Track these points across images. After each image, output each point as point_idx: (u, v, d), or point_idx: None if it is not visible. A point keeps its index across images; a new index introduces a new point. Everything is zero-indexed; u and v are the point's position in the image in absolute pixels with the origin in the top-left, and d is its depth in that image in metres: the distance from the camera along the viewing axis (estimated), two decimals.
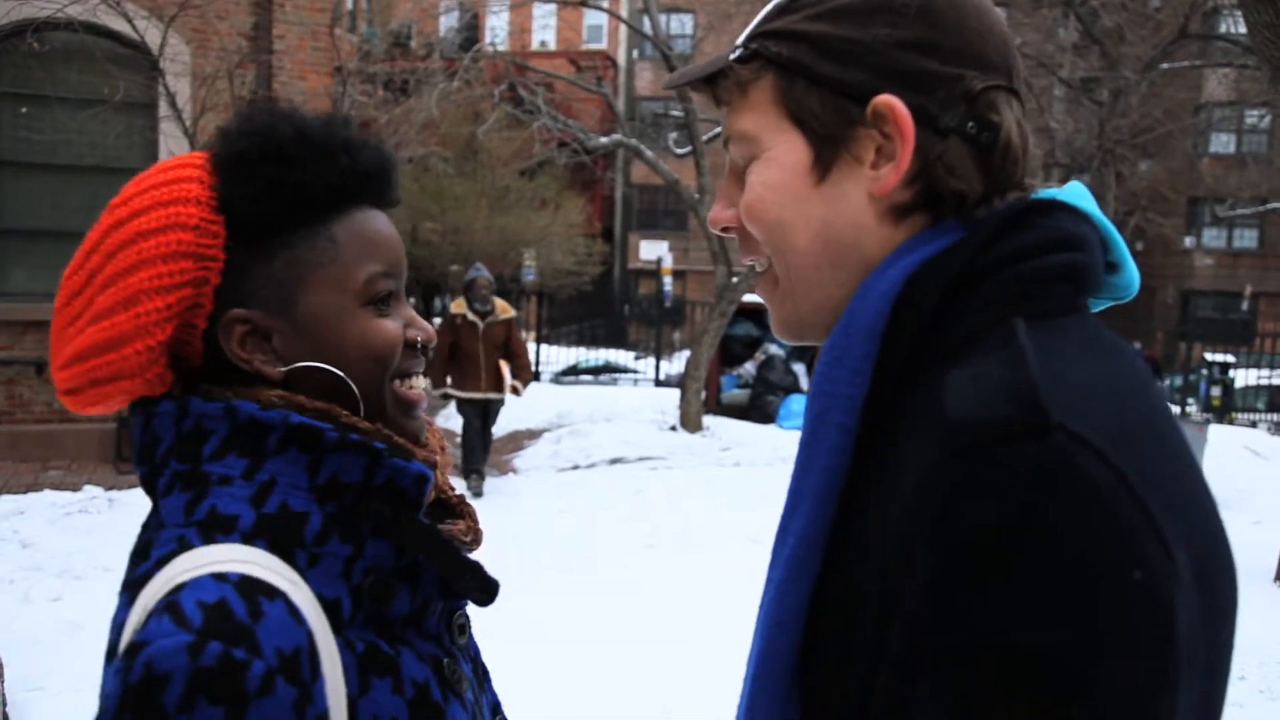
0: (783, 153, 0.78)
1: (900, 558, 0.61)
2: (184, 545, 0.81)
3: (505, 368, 8.12)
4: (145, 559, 0.82)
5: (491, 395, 8.10)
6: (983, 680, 0.57)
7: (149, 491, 0.88)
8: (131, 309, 0.85)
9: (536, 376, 15.56)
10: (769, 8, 0.81)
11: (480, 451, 8.26)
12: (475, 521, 1.00)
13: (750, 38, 0.80)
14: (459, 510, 1.02)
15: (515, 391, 8.15)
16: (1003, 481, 0.58)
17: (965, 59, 0.75)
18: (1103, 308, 0.81)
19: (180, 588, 0.76)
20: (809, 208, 0.77)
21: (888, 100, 0.73)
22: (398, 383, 0.95)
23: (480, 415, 8.18)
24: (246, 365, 0.89)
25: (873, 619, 0.63)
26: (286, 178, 0.88)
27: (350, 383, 0.90)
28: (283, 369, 0.90)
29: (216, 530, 0.81)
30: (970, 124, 0.74)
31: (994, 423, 0.61)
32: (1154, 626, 0.57)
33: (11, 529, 5.96)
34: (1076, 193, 0.78)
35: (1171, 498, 0.62)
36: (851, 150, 0.76)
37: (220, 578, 0.77)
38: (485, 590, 0.91)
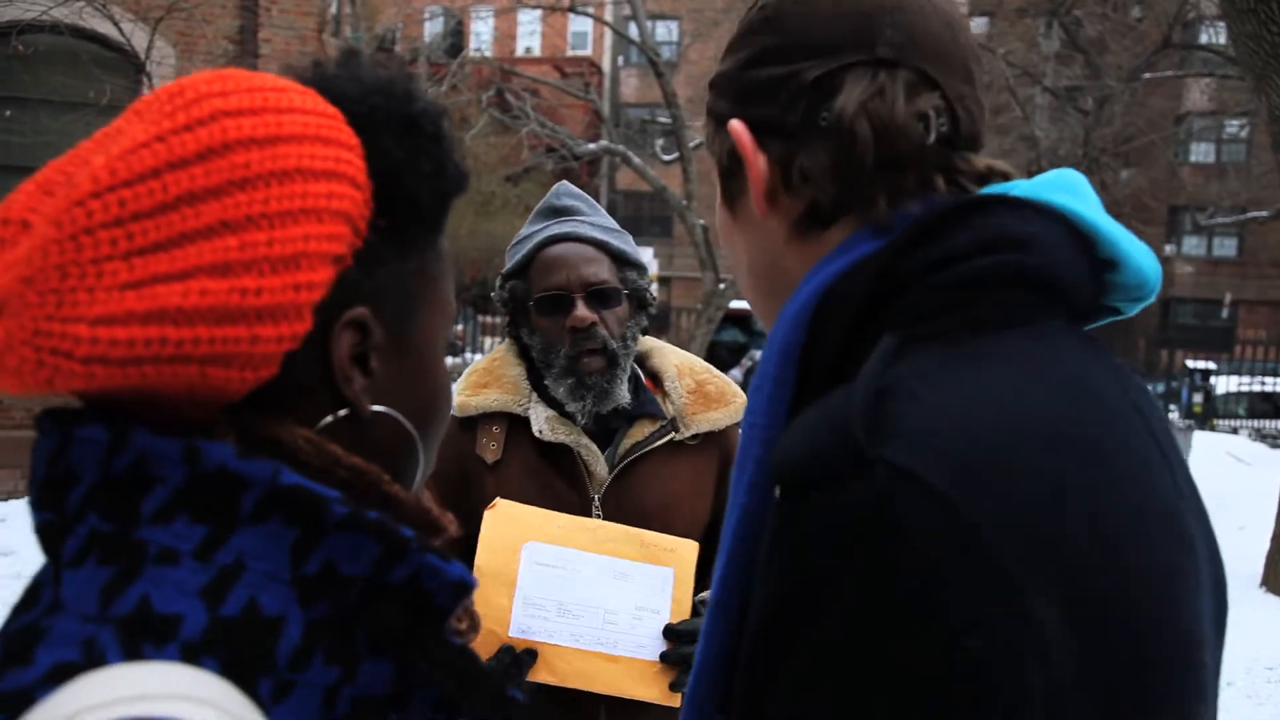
0: (717, 195, 0.79)
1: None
2: (91, 657, 0.51)
3: None
4: (26, 662, 0.51)
5: None
6: None
7: (48, 550, 0.56)
8: (288, 274, 0.56)
9: None
10: None
11: None
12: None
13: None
14: None
15: None
16: (817, 529, 0.53)
17: (807, 51, 0.68)
18: (1124, 315, 0.71)
19: None
20: (736, 242, 0.78)
21: (730, 123, 0.72)
22: None
23: None
24: (345, 388, 0.61)
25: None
26: (448, 163, 0.66)
27: (419, 444, 0.67)
28: (372, 409, 0.63)
29: (146, 637, 0.52)
30: (823, 116, 0.66)
31: (813, 459, 0.55)
32: (993, 699, 0.50)
33: None
34: (1059, 183, 0.67)
35: (1069, 527, 0.54)
36: (743, 182, 0.74)
37: None
38: None
